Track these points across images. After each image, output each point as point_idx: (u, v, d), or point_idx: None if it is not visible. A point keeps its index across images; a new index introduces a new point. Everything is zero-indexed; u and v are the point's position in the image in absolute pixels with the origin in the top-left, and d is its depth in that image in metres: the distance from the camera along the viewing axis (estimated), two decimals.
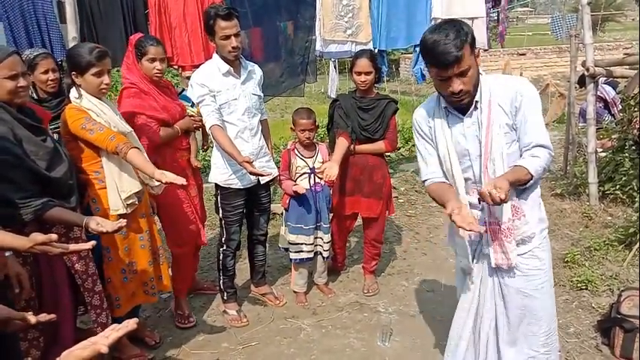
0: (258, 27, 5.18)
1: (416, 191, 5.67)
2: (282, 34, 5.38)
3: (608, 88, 6.60)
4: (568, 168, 5.72)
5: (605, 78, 5.77)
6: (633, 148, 4.90)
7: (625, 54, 7.21)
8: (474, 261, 2.13)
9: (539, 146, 1.93)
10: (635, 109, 4.93)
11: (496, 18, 7.97)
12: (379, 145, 3.40)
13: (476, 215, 2.01)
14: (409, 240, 4.50)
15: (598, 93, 5.77)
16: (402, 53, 14.51)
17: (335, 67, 5.41)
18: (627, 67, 5.02)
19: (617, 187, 4.84)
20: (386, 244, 4.24)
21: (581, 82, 5.40)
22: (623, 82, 5.50)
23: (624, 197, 4.79)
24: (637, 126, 4.88)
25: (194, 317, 3.28)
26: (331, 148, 3.43)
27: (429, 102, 2.12)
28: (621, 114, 5.29)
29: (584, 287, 3.44)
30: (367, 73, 3.25)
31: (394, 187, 5.70)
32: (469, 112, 1.98)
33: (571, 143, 5.71)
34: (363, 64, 3.24)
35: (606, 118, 6.14)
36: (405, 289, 3.67)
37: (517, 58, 13.56)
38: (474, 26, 5.33)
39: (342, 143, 3.20)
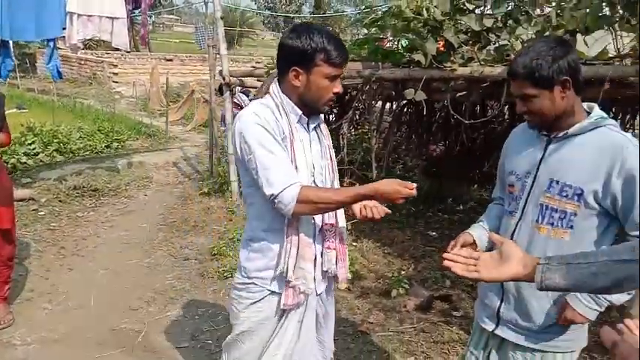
0: None
1: (60, 201, 5.13)
2: None
3: (243, 96, 7.44)
4: (213, 168, 6.20)
5: (241, 87, 6.48)
6: None
7: (253, 66, 8.24)
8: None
9: None
10: None
11: (140, 21, 7.97)
12: (2, 139, 3.02)
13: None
14: (53, 256, 4.02)
15: (235, 100, 6.43)
16: (38, 47, 12.91)
17: None
18: (256, 78, 5.76)
19: None
20: (21, 266, 3.69)
21: (221, 90, 5.92)
22: (254, 91, 6.27)
23: None
24: None
25: None
26: None
27: (267, 104, 1.73)
28: None
29: (230, 276, 3.76)
30: None
31: (33, 199, 5.04)
32: (314, 126, 1.83)
33: (215, 145, 6.20)
34: None
35: None
36: (47, 312, 3.26)
37: (164, 63, 13.89)
38: (115, 26, 5.18)
39: None
